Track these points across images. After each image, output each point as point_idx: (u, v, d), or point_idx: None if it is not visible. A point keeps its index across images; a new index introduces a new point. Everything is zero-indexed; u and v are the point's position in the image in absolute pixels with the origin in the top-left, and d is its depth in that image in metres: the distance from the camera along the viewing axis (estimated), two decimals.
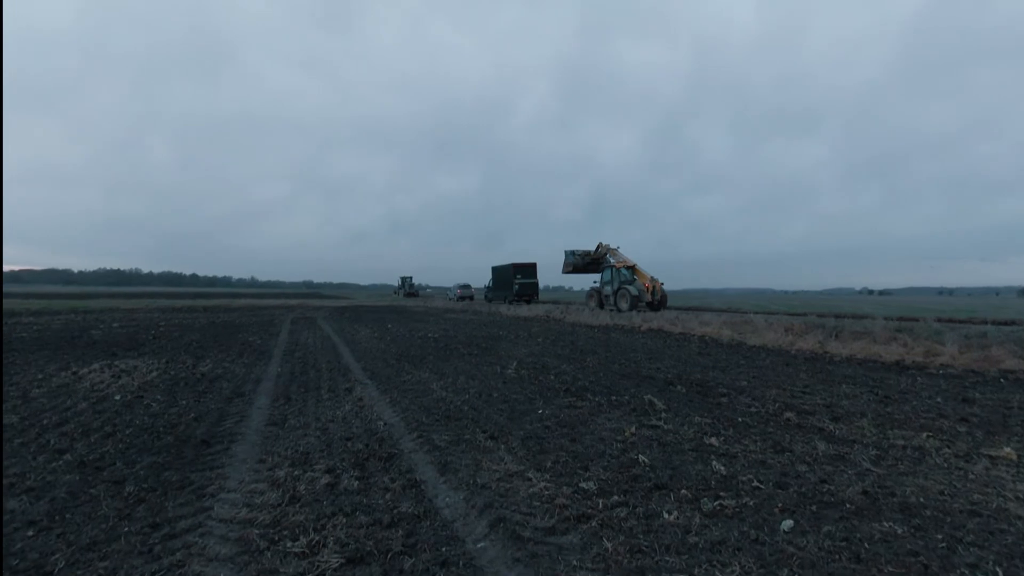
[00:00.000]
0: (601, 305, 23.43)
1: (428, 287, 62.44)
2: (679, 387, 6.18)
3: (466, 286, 44.59)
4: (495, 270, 38.59)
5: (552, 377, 6.83)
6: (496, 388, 6.15)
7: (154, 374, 6.79)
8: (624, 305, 21.75)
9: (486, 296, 40.09)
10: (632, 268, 23.33)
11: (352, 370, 7.50)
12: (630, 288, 21.97)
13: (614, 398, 5.58)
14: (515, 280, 34.63)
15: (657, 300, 21.93)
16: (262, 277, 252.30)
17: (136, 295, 46.26)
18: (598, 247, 26.47)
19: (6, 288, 73.97)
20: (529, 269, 35.26)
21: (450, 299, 42.95)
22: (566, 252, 28.20)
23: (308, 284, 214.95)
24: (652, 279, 22.46)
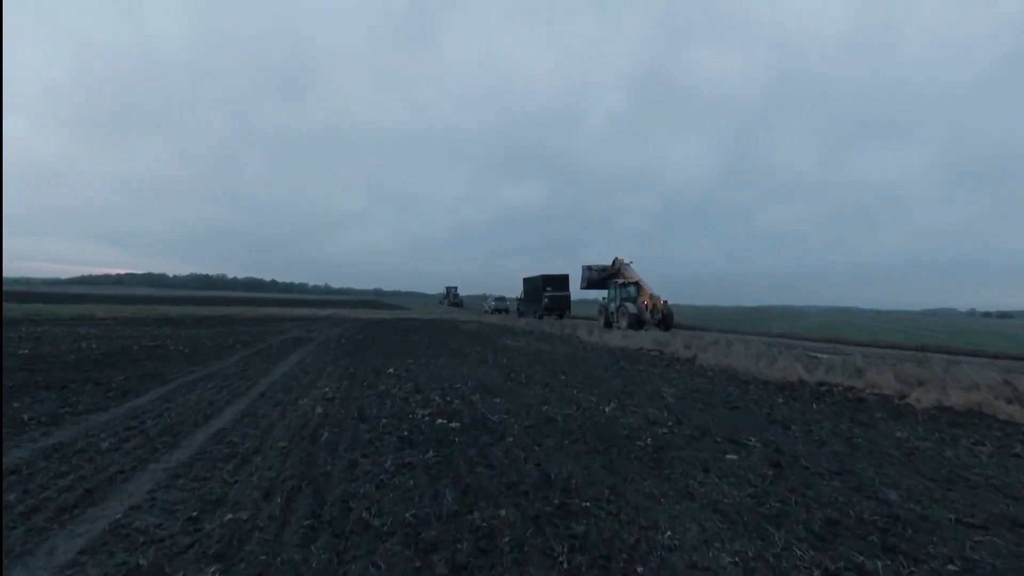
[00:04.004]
0: (608, 323, 22.65)
1: (490, 296, 59.87)
2: None
3: (501, 298, 42.38)
4: (525, 282, 35.13)
5: None
6: None
7: None
8: (623, 323, 21.26)
9: (518, 309, 37.00)
10: (636, 284, 22.62)
11: None
12: (629, 306, 21.52)
13: None
14: (544, 293, 31.56)
15: (658, 318, 20.88)
16: (335, 284, 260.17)
17: (176, 299, 44.58)
18: (614, 262, 25.42)
19: (111, 290, 76.89)
20: (560, 281, 31.85)
21: (485, 311, 40.89)
22: (583, 267, 27.27)
23: (377, 292, 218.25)
24: (652, 296, 21.69)
